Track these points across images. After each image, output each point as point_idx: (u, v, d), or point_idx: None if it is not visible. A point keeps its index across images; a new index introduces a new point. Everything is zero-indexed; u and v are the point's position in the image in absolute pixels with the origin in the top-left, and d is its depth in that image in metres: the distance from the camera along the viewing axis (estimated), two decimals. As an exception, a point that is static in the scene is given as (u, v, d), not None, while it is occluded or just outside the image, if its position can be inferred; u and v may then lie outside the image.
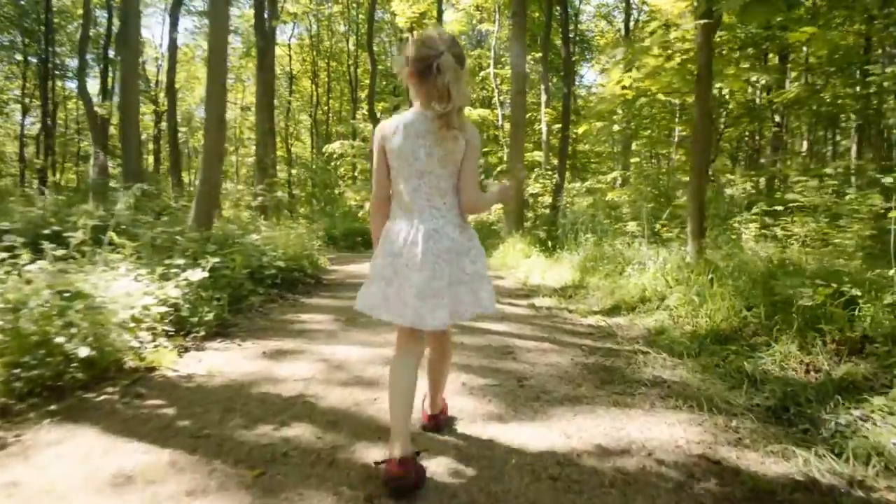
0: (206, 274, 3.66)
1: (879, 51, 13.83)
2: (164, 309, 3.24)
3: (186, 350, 3.23)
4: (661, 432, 2.20)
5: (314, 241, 9.33)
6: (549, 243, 8.23)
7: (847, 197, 6.01)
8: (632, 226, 7.76)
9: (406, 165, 1.70)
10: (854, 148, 14.30)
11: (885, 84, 9.32)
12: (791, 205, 6.36)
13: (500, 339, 3.76)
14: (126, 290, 3.02)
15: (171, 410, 2.28)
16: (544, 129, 17.85)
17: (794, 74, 10.93)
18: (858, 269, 3.72)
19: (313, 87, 26.79)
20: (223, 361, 3.05)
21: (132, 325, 2.89)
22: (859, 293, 3.15)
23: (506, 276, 7.49)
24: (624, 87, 5.99)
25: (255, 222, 6.97)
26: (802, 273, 3.60)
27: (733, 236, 6.15)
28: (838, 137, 18.61)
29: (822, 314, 3.07)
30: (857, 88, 11.74)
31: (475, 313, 1.82)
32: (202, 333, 3.50)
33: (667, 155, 21.27)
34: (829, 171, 6.24)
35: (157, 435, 2.04)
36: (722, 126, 13.06)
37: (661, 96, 16.05)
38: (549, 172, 15.00)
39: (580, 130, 9.58)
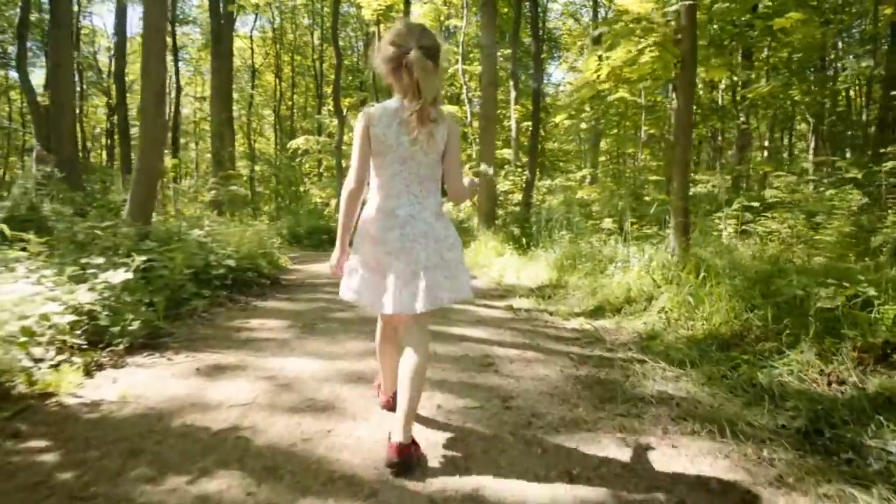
0: (129, 275, 3.07)
1: (832, 55, 14.16)
2: (73, 318, 2.64)
3: (100, 367, 2.64)
4: (685, 468, 1.77)
5: (273, 238, 8.70)
6: (524, 241, 7.83)
7: (827, 192, 5.79)
8: (607, 222, 7.44)
9: (389, 152, 1.70)
10: (811, 147, 14.49)
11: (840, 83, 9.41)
12: (770, 200, 6.12)
13: (478, 347, 3.29)
14: (20, 294, 2.41)
15: (55, 456, 1.72)
16: (514, 125, 17.52)
17: (753, 76, 10.88)
18: (867, 268, 3.41)
19: (277, 81, 25.79)
20: (144, 382, 2.48)
21: (24, 338, 2.30)
22: (875, 293, 2.82)
23: (479, 276, 7.04)
24: (600, 77, 5.61)
25: (206, 218, 6.31)
26: (811, 272, 3.25)
27: (714, 232, 5.86)
28: (794, 139, 19.00)
29: (841, 317, 2.71)
30: (814, 87, 11.89)
31: (454, 299, 1.78)
32: (124, 346, 2.91)
33: (633, 154, 21.31)
34: (806, 166, 6.01)
35: (21, 497, 1.48)
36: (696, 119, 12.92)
37: (628, 95, 16.02)
38: (520, 170, 14.66)
39: (557, 119, 9.15)
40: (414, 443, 1.70)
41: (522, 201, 14.42)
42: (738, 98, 11.66)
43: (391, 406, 1.98)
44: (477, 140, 20.32)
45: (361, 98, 19.45)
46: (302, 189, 22.05)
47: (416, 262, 1.70)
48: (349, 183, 1.76)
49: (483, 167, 8.46)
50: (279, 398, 2.32)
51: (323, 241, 15.73)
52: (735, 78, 10.21)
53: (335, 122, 15.80)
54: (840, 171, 6.36)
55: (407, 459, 1.64)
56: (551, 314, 4.47)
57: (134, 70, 27.33)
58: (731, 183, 12.65)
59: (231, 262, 4.93)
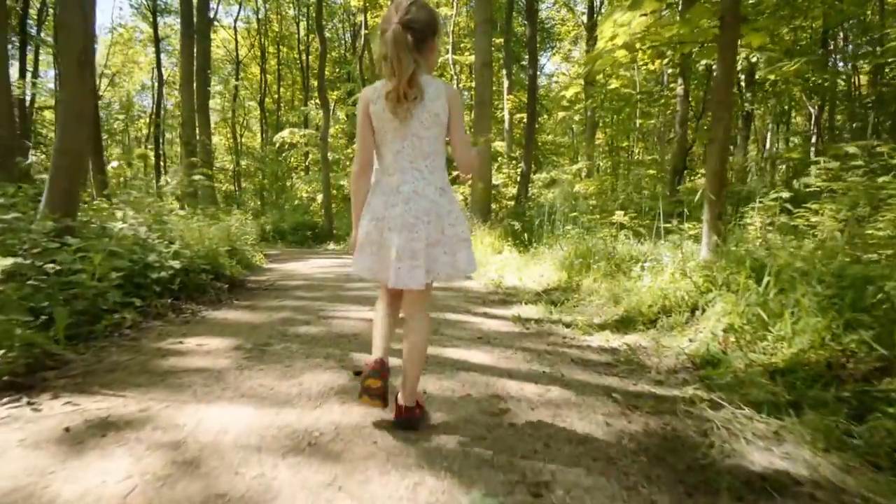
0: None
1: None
2: None
3: (-89, 431, 1.71)
4: None
5: (248, 234, 7.75)
6: (524, 236, 6.95)
7: (880, 179, 4.94)
8: (619, 216, 6.57)
9: (390, 129, 1.68)
10: (814, 137, 13.76)
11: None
12: (811, 189, 5.28)
13: (483, 381, 2.39)
14: None
15: None
16: (507, 116, 16.61)
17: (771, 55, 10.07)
18: None
19: (262, 73, 24.68)
20: (-33, 458, 1.55)
21: None
22: None
23: (475, 277, 6.16)
24: (616, 43, 4.72)
25: (161, 210, 5.35)
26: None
27: (748, 227, 5.01)
28: (788, 130, 18.31)
29: None
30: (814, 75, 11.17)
31: (452, 276, 1.74)
32: (-28, 389, 1.98)
33: (627, 148, 20.50)
34: (851, 150, 5.16)
35: None
36: (700, 110, 12.11)
37: (622, 88, 15.17)
38: (514, 161, 13.76)
39: (569, 93, 8.20)
40: (418, 405, 1.84)
41: (518, 194, 13.56)
42: (756, 79, 10.85)
43: (377, 372, 1.73)
44: (471, 126, 19.43)
45: (349, 90, 18.44)
46: (288, 184, 21.04)
47: (417, 239, 1.67)
48: (355, 165, 1.77)
49: (476, 149, 7.56)
50: (170, 492, 1.41)
51: (307, 237, 14.78)
52: (754, 58, 9.37)
53: (321, 113, 14.81)
54: (883, 156, 5.51)
55: (410, 419, 1.78)
56: (568, 326, 3.59)
57: (116, 62, 26.09)
58: (755, 173, 11.88)
59: (175, 263, 3.99)
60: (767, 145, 17.75)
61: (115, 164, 6.34)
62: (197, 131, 10.06)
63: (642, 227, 6.75)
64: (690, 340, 2.96)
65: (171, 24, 24.32)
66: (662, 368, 2.64)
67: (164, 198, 6.29)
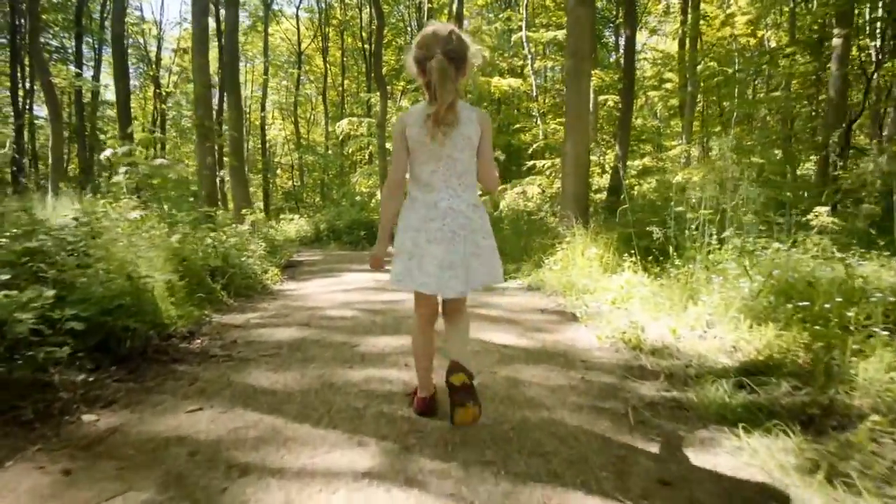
0: None
1: None
2: None
3: None
4: None
5: (255, 245, 5.66)
6: (651, 247, 4.31)
7: None
8: (822, 214, 3.79)
9: (426, 151, 1.74)
10: None
11: None
12: None
13: None
14: None
15: None
16: (591, 94, 13.74)
17: None
18: None
19: (324, 63, 23.10)
20: None
21: None
22: None
23: (581, 315, 3.66)
24: None
25: (94, 215, 3.33)
26: None
27: None
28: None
29: None
30: None
31: (487, 283, 1.82)
32: None
33: (720, 134, 16.81)
34: None
35: None
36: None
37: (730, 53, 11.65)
38: (605, 145, 10.97)
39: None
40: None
41: (609, 185, 10.77)
42: None
43: (426, 408, 1.92)
44: (542, 117, 16.73)
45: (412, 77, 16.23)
46: (350, 179, 19.24)
47: (455, 252, 1.72)
48: (388, 182, 1.84)
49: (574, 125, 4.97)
50: None
51: (361, 237, 12.75)
52: None
53: (377, 96, 12.69)
54: None
55: (467, 389, 1.67)
56: None
57: (185, 60, 25.58)
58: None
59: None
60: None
61: (108, 152, 4.37)
62: (226, 113, 8.20)
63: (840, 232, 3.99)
64: None
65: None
66: None
67: (115, 194, 4.25)
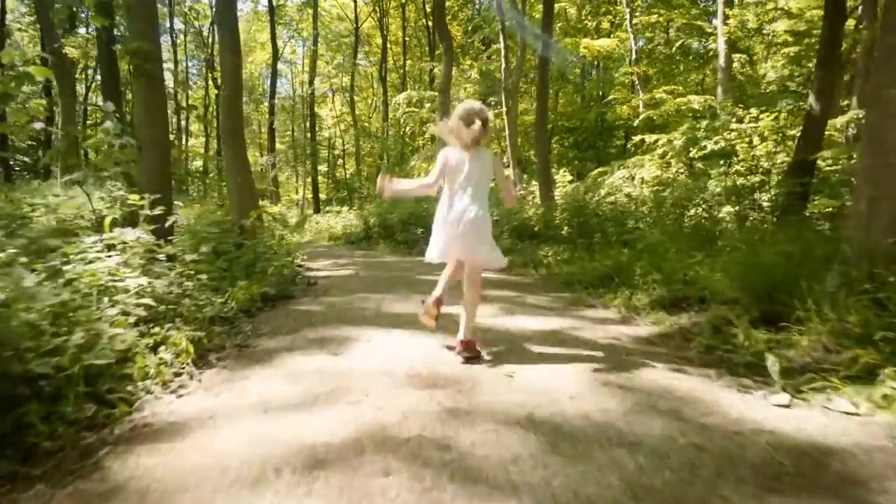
0: None
1: None
2: None
3: None
4: None
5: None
6: None
7: None
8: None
9: (459, 175, 2.56)
10: None
11: None
12: None
13: None
14: None
15: None
16: (721, 47, 10.18)
17: None
18: None
19: (383, 40, 20.56)
20: None
21: None
22: None
23: None
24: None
25: None
26: None
27: None
28: None
29: None
30: None
31: (491, 264, 2.63)
32: None
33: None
34: None
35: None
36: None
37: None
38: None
39: None
40: (472, 341, 2.55)
41: (795, 165, 7.23)
42: None
43: (435, 317, 2.52)
44: (644, 85, 13.29)
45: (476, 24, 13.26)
46: (411, 164, 16.60)
47: (470, 242, 2.52)
48: (425, 182, 2.65)
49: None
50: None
51: (420, 237, 10.00)
52: None
53: (438, 66, 9.87)
54: None
55: (468, 347, 2.50)
56: None
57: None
58: None
59: None
60: None
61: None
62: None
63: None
64: None
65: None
66: None
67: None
